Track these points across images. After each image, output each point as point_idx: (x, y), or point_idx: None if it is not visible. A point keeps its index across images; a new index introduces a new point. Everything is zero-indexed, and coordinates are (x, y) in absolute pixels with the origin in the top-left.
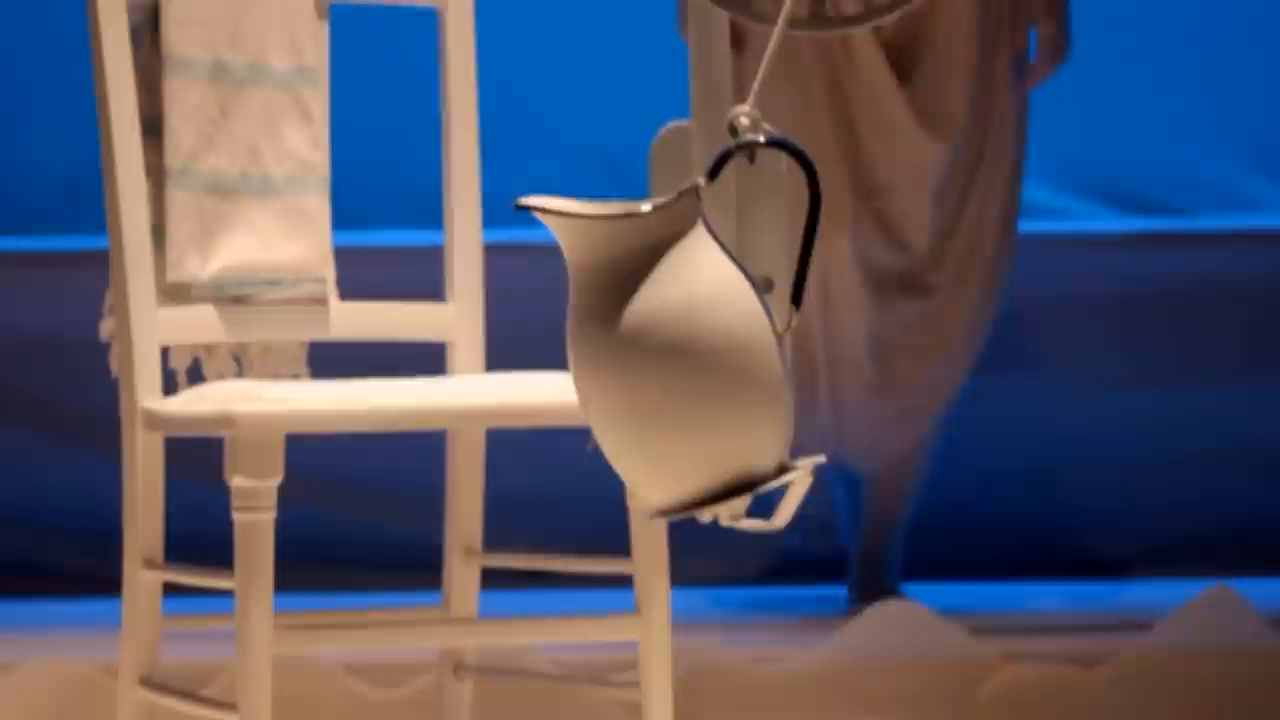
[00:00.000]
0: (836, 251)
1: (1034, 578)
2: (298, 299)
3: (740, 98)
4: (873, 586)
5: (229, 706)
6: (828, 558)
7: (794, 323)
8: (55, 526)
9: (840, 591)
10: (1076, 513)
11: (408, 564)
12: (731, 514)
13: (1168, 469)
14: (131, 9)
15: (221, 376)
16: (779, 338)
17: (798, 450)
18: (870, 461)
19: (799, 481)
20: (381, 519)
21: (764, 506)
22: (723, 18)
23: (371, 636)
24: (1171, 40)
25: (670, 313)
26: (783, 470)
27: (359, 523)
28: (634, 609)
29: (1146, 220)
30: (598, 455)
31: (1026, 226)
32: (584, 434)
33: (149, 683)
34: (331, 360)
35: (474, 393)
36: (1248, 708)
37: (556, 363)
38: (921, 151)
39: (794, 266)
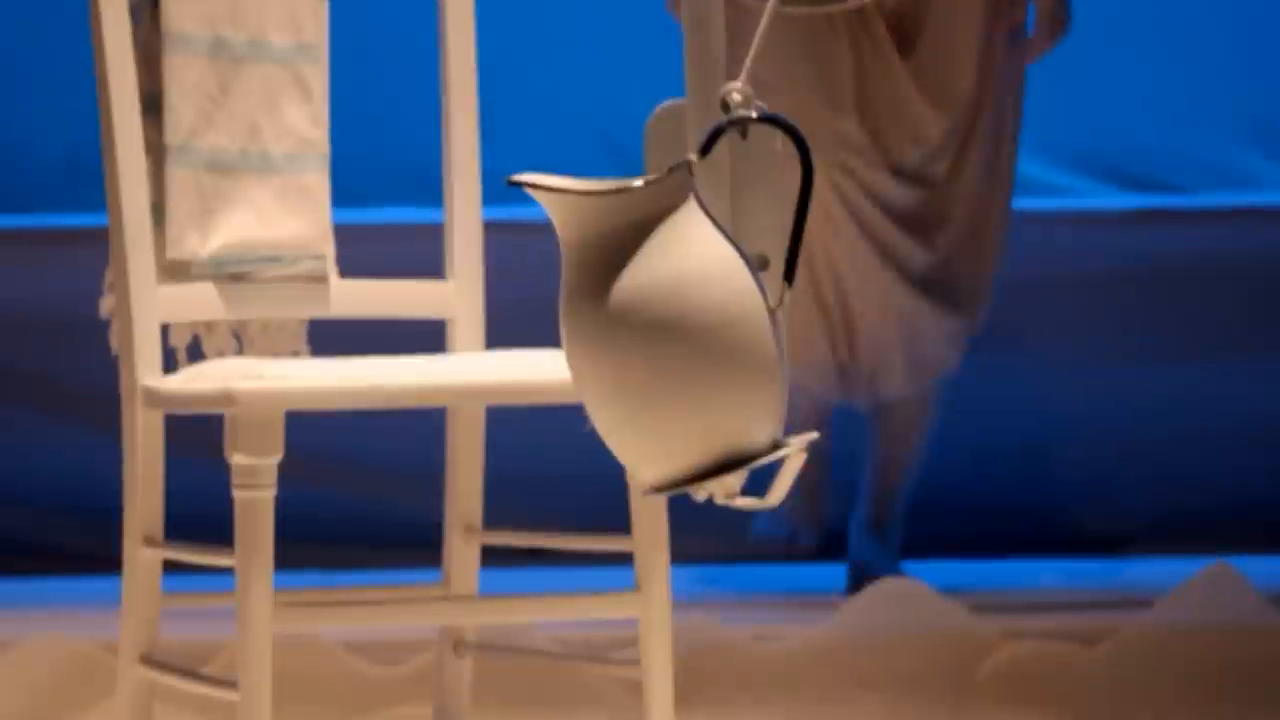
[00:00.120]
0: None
1: (1034, 555)
2: (297, 276)
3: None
4: (873, 564)
5: (229, 684)
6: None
7: (787, 300)
8: (55, 504)
9: (840, 569)
10: (1076, 490)
11: (408, 542)
12: (726, 491)
13: (1167, 446)
14: None
15: (221, 354)
16: (772, 314)
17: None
18: (878, 413)
19: (793, 458)
20: (382, 497)
21: (759, 485)
22: None
23: (371, 614)
24: (1170, 16)
25: (659, 289)
26: (776, 447)
27: (359, 500)
28: (634, 586)
29: (1145, 197)
30: (595, 434)
31: (1025, 203)
32: (583, 411)
33: (149, 660)
34: (331, 338)
35: (474, 370)
36: (1248, 685)
37: (556, 340)
38: (924, 125)
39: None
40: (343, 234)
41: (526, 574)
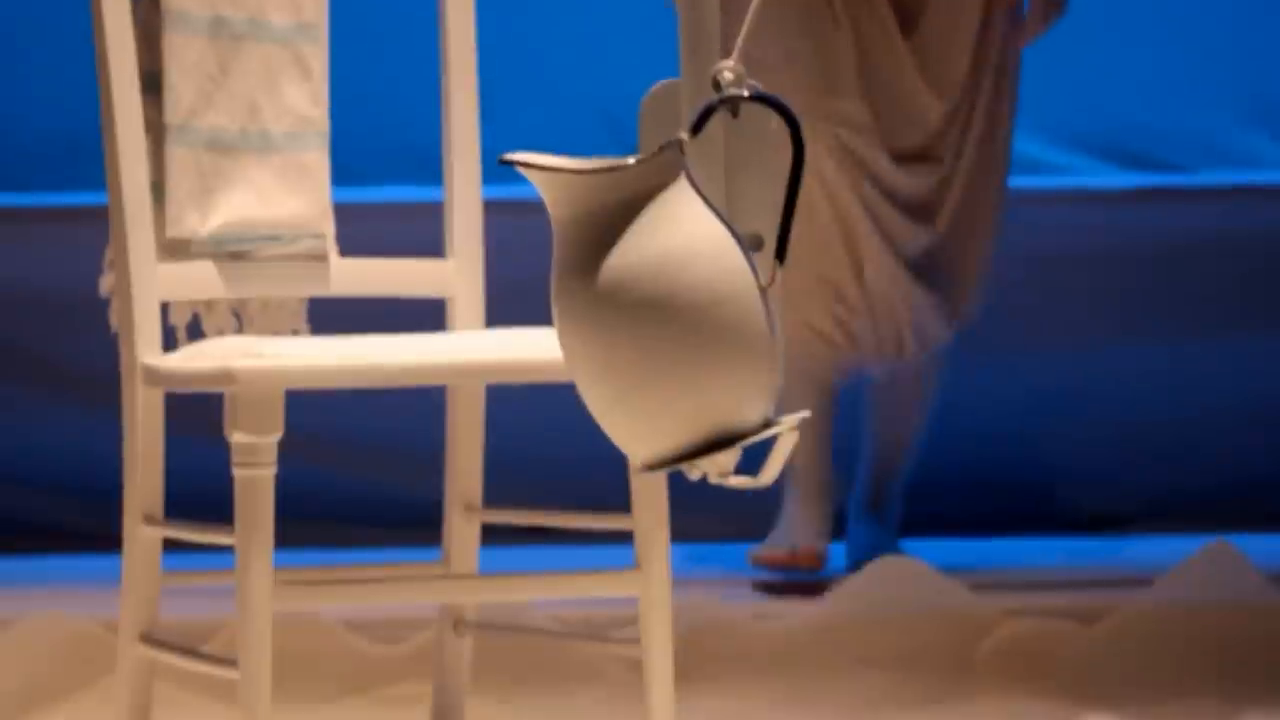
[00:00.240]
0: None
1: (1034, 534)
2: (297, 255)
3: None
4: (872, 543)
5: (229, 662)
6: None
7: (778, 278)
8: (55, 483)
9: (839, 548)
10: (1076, 469)
11: (408, 520)
12: (719, 470)
13: (1167, 424)
14: None
15: (221, 332)
16: (763, 292)
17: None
18: (876, 394)
19: (785, 437)
20: (382, 475)
21: (752, 464)
22: None
23: (371, 592)
24: None
25: (649, 267)
26: (767, 425)
27: (359, 479)
28: (634, 564)
29: (1144, 175)
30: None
31: (1023, 182)
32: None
33: (149, 639)
34: (331, 316)
35: (474, 348)
36: (1247, 663)
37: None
38: (924, 108)
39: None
40: (342, 213)
41: (526, 552)
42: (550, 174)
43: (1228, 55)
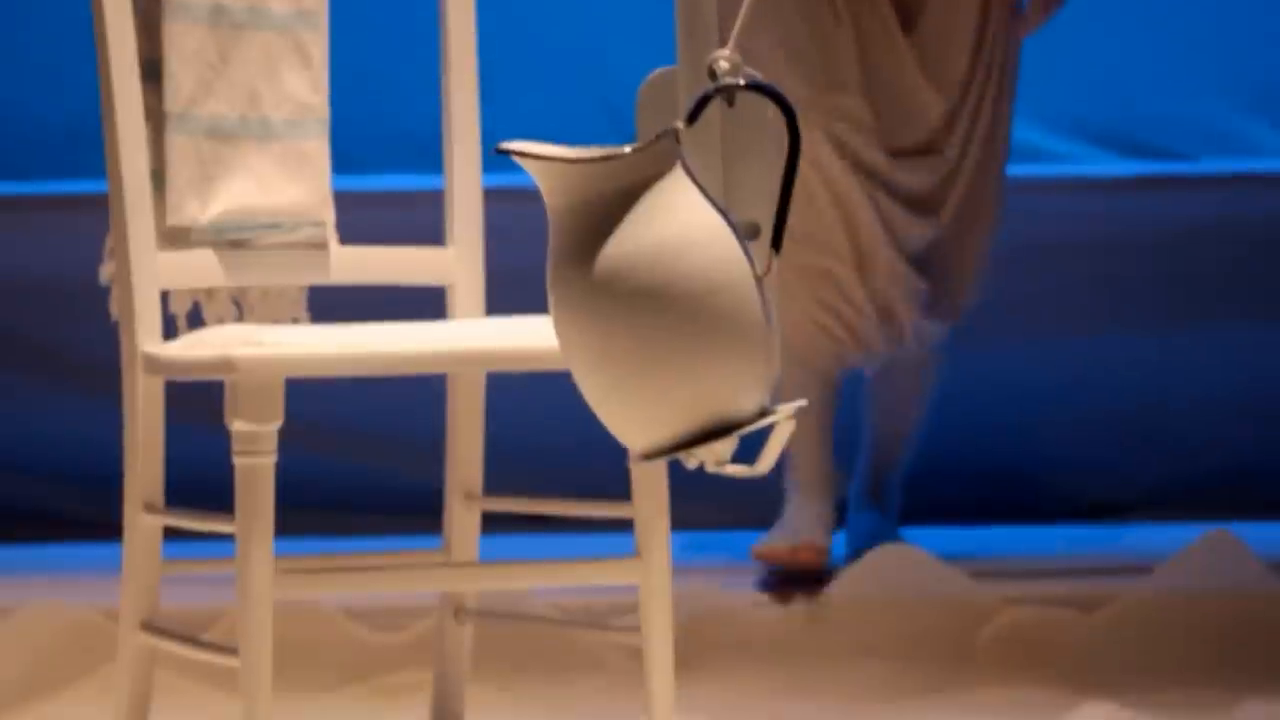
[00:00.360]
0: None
1: (1034, 522)
2: (297, 243)
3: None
4: (872, 532)
5: (229, 651)
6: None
7: (774, 267)
8: (56, 471)
9: (840, 537)
10: (1076, 456)
11: (408, 508)
12: (716, 459)
13: (1168, 412)
14: None
15: (221, 321)
16: (759, 281)
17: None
18: (876, 383)
19: (781, 426)
20: (382, 463)
21: (751, 452)
22: None
23: (372, 581)
24: None
25: (645, 256)
26: (763, 414)
27: (359, 467)
28: (635, 552)
29: (1145, 164)
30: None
31: (1023, 170)
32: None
33: (150, 627)
34: (331, 305)
35: (474, 336)
36: (1247, 650)
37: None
38: (924, 104)
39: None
40: (343, 200)
41: (527, 540)
42: (546, 163)
43: (1228, 43)
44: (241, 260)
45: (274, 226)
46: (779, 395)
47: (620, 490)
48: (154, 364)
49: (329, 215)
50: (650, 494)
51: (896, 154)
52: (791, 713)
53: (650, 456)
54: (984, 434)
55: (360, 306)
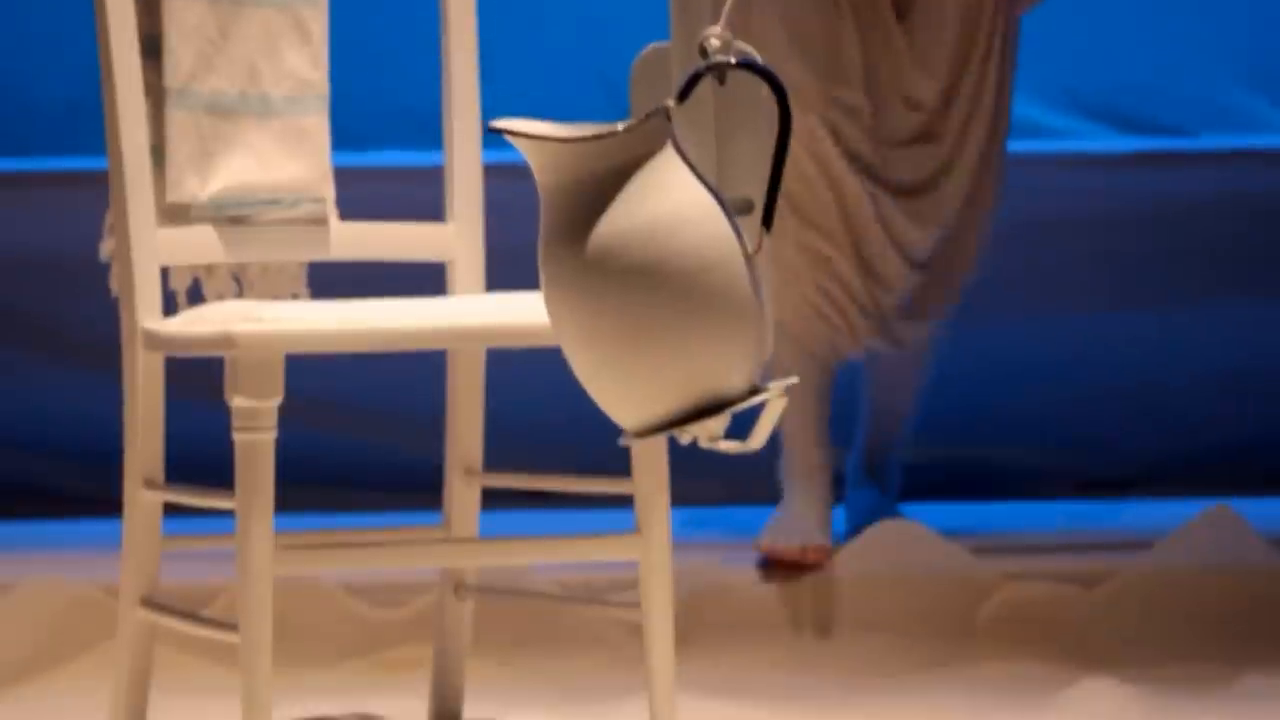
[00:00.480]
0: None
1: (1034, 498)
2: (297, 219)
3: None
4: (871, 508)
5: (230, 626)
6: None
7: (765, 244)
8: (56, 447)
9: (839, 511)
10: (1075, 432)
11: (408, 484)
12: (709, 435)
13: (1166, 388)
14: None
15: (221, 297)
16: (749, 259)
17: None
18: (873, 360)
19: (773, 403)
20: (382, 439)
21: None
22: None
23: (372, 556)
24: None
25: (637, 235)
26: (754, 391)
27: (359, 443)
28: (635, 529)
29: (1144, 139)
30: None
31: (1022, 146)
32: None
33: (150, 603)
34: (331, 280)
35: (474, 312)
36: (1247, 626)
37: None
38: (916, 89)
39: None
40: (342, 177)
41: (527, 516)
42: (537, 142)
43: (1228, 18)
44: (241, 236)
45: (274, 202)
46: (772, 377)
47: (620, 466)
48: (154, 340)
49: (329, 191)
50: (650, 470)
51: (895, 143)
52: (791, 688)
53: (642, 434)
54: (983, 410)
55: (360, 282)
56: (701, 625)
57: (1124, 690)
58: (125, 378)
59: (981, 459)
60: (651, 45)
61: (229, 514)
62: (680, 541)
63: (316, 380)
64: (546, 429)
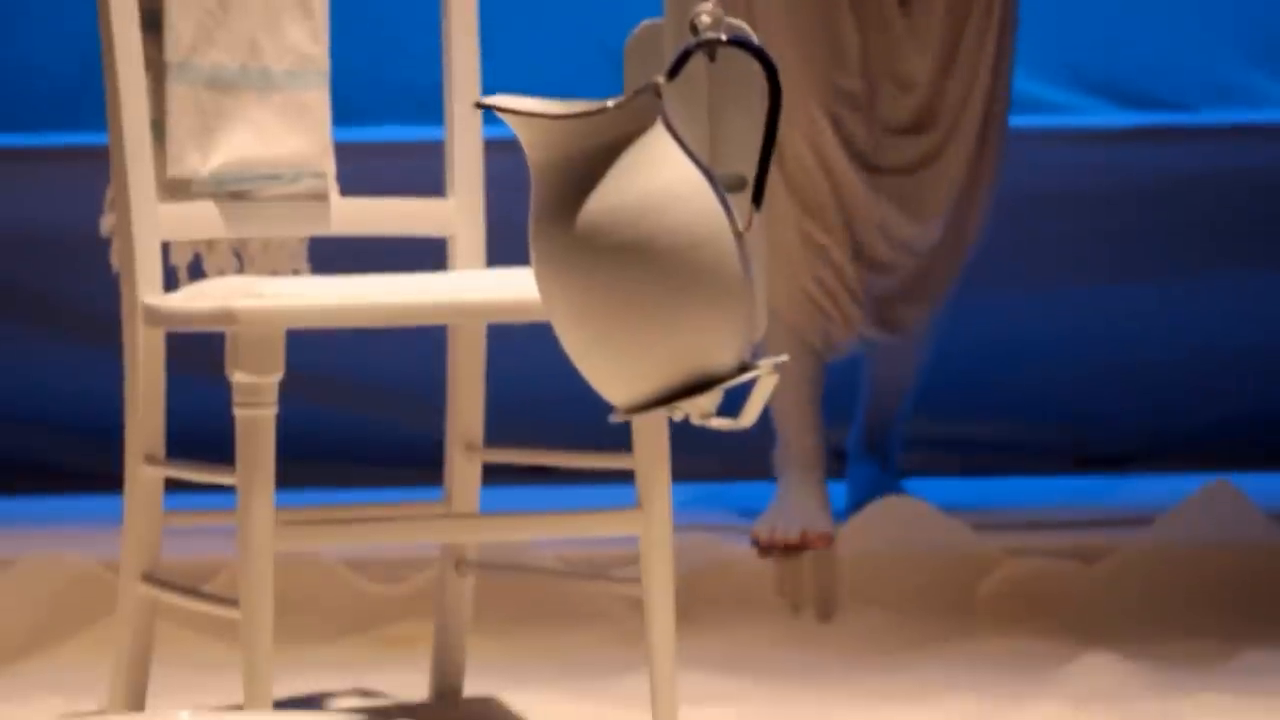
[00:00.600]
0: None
1: (1033, 473)
2: (298, 194)
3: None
4: (873, 483)
5: (230, 602)
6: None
7: (754, 221)
8: (56, 423)
9: (840, 488)
10: (1075, 407)
11: (409, 460)
12: (700, 413)
13: (1166, 363)
14: None
15: (222, 272)
16: (739, 236)
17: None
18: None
19: (764, 380)
20: (383, 415)
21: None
22: None
23: (373, 532)
24: None
25: (627, 211)
26: (744, 369)
27: (360, 419)
28: (636, 504)
29: (1144, 114)
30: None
31: (1023, 121)
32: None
33: (151, 578)
34: (332, 256)
35: (474, 288)
36: (1247, 601)
37: None
38: (911, 69)
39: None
40: (343, 152)
41: (528, 492)
42: (527, 118)
43: None
44: (242, 212)
45: (274, 178)
46: (764, 358)
47: (621, 442)
48: (155, 315)
49: (329, 166)
50: (651, 445)
51: (889, 129)
52: (792, 663)
53: (632, 411)
54: (983, 385)
55: (361, 258)
56: (702, 601)
57: (1124, 665)
58: (126, 353)
59: (981, 434)
60: (645, 22)
61: (230, 490)
62: (681, 517)
63: (317, 355)
64: (547, 404)
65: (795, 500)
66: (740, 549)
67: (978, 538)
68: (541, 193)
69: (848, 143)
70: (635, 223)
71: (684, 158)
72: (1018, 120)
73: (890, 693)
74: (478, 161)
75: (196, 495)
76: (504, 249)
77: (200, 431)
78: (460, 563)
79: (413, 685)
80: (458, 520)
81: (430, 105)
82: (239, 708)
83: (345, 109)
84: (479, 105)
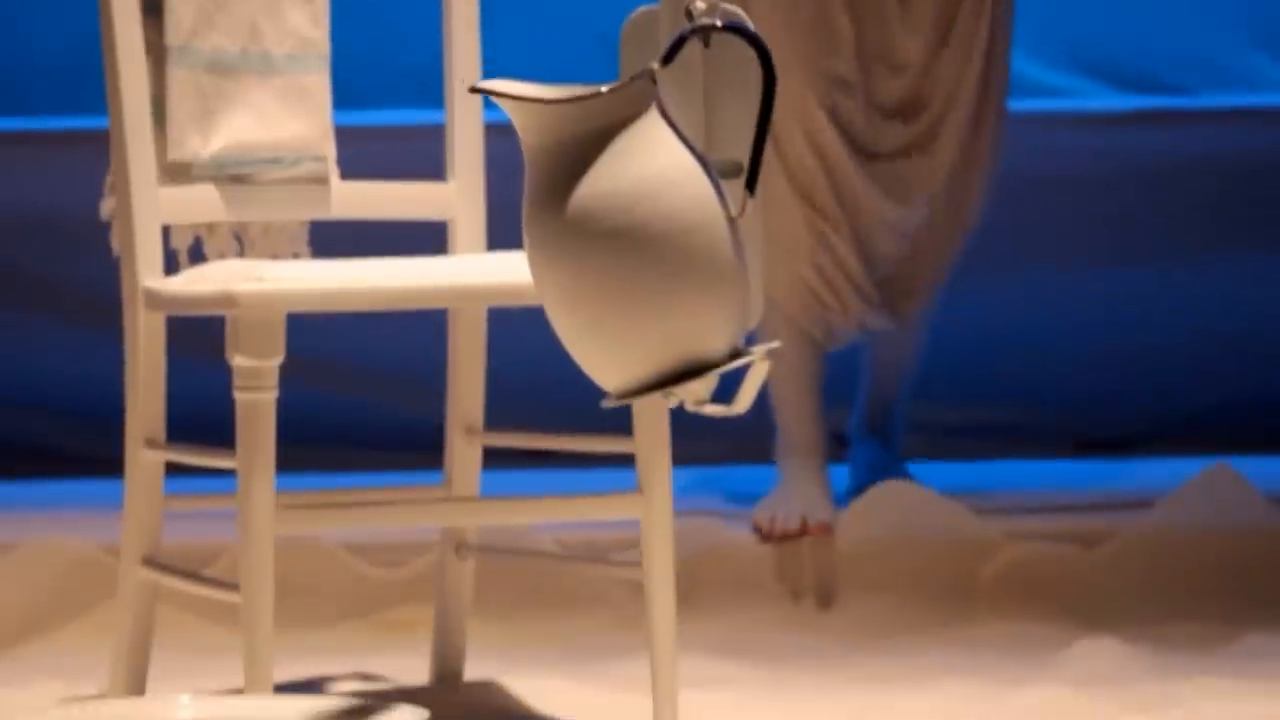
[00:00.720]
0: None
1: (1035, 457)
2: (298, 178)
3: None
4: (874, 467)
5: (231, 586)
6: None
7: (747, 208)
8: (57, 407)
9: (842, 472)
10: (1075, 391)
11: (409, 444)
12: (694, 398)
13: (1166, 346)
14: None
15: (223, 256)
16: (733, 222)
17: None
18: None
19: (757, 366)
20: (383, 399)
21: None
22: None
23: (373, 516)
24: None
25: (620, 197)
26: (736, 354)
27: (360, 402)
28: (636, 488)
29: (1145, 98)
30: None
31: (1023, 104)
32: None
33: (151, 562)
34: (332, 240)
35: (475, 271)
36: (1248, 585)
37: None
38: (903, 50)
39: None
40: (343, 135)
41: (528, 475)
42: (519, 103)
43: None
44: (242, 195)
45: (275, 161)
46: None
47: (622, 425)
48: (155, 299)
49: (330, 150)
50: (652, 429)
51: (882, 113)
52: (792, 648)
53: (625, 396)
54: (983, 369)
55: (361, 241)
56: (703, 585)
57: (1125, 649)
58: (126, 337)
59: (981, 419)
60: (641, 8)
61: (230, 474)
62: (682, 501)
63: (318, 339)
64: (547, 388)
65: (796, 489)
66: (741, 533)
67: (978, 522)
68: (535, 177)
69: (845, 131)
70: (629, 208)
71: (678, 143)
72: (1017, 104)
73: (890, 677)
74: (478, 145)
75: (197, 479)
76: (504, 233)
77: (201, 415)
78: (460, 546)
79: (413, 669)
80: (458, 504)
81: (431, 89)
82: (239, 692)
83: (346, 93)
84: (474, 89)
